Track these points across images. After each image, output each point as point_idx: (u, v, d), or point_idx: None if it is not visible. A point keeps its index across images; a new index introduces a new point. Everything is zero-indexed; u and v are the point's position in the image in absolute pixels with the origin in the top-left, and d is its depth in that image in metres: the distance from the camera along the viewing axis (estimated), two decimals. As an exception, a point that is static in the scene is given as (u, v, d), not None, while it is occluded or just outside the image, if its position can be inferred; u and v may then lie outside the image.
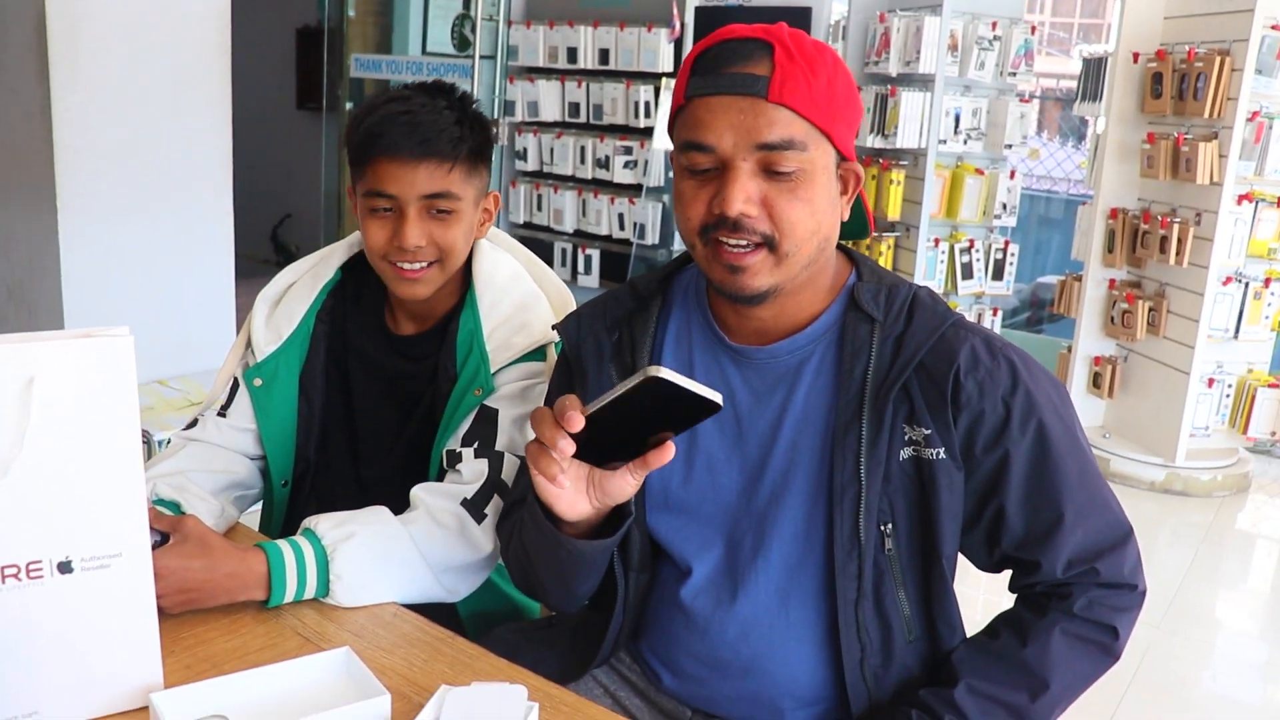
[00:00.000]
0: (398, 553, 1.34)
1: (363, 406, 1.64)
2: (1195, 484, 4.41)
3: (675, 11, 5.66)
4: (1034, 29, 4.94)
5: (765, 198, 1.17)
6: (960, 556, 1.33)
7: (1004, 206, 4.99)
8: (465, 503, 1.42)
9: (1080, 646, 1.27)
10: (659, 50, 5.73)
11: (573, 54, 6.04)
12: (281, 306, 1.63)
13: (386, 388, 1.62)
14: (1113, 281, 4.58)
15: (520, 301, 1.59)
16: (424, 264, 1.50)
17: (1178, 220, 4.19)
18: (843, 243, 1.35)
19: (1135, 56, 4.34)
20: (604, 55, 5.95)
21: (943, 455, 1.22)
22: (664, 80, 5.63)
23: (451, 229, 1.51)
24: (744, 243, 1.18)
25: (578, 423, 1.02)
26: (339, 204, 6.73)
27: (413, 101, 1.49)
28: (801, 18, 5.11)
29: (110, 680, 1.01)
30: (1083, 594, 1.27)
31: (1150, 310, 4.40)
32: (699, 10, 5.47)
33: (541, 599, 1.37)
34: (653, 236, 5.91)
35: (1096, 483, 1.28)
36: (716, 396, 0.99)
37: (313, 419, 1.63)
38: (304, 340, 1.62)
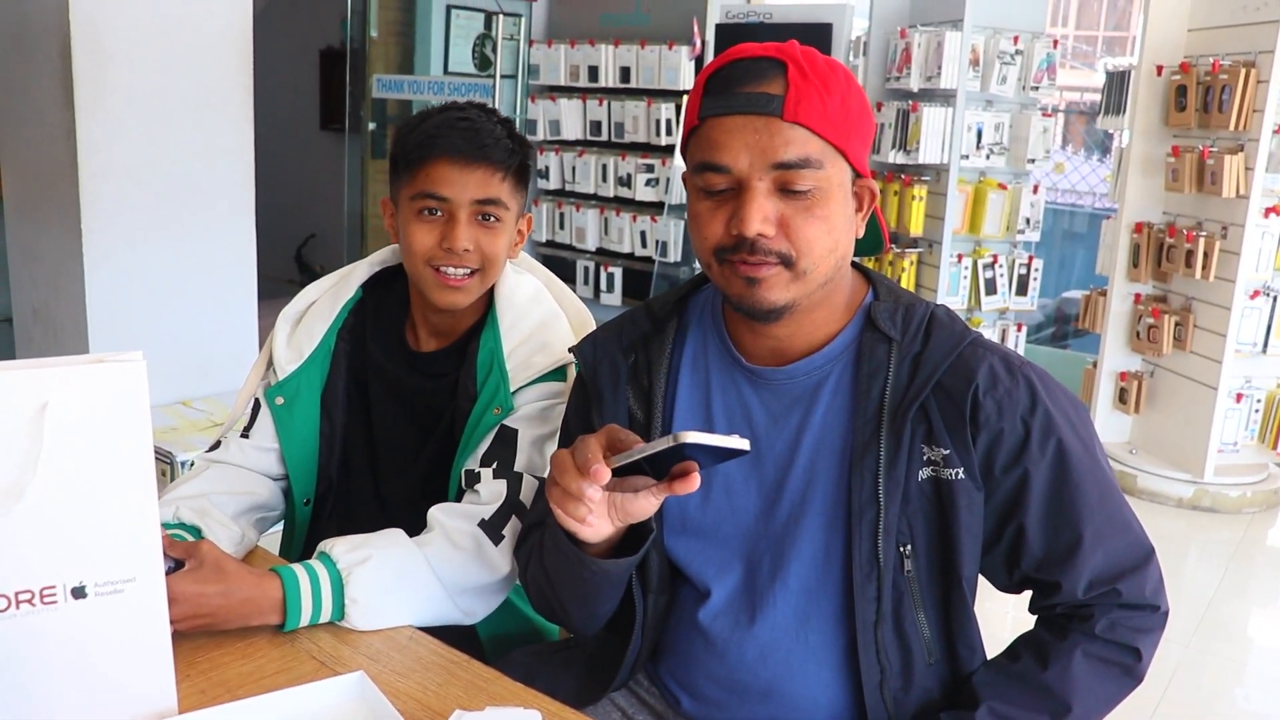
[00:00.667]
0: (413, 575, 1.33)
1: (383, 425, 1.64)
2: (1224, 500, 4.36)
3: (696, 29, 5.67)
4: (1056, 43, 4.92)
5: (782, 217, 1.17)
6: (980, 577, 1.32)
7: (1027, 221, 4.96)
8: (483, 524, 1.41)
9: (1102, 668, 1.25)
10: (680, 68, 5.75)
11: (594, 72, 6.07)
12: (303, 325, 1.64)
13: (406, 406, 1.63)
14: (1138, 296, 4.54)
15: (541, 321, 1.59)
16: (467, 271, 1.52)
17: (1203, 234, 4.15)
18: (859, 261, 1.34)
19: (1159, 69, 4.31)
20: (625, 73, 5.97)
21: (962, 475, 1.21)
22: (685, 98, 5.63)
23: (498, 238, 1.53)
24: (760, 264, 1.18)
25: (604, 477, 1.03)
26: (362, 224, 6.77)
27: (469, 111, 1.54)
28: (823, 34, 5.11)
29: (124, 705, 1.01)
30: (1104, 615, 1.26)
31: (1176, 325, 4.35)
32: (720, 27, 5.48)
33: (562, 621, 1.36)
34: (675, 254, 5.91)
35: (1117, 502, 1.26)
36: (744, 444, 0.99)
37: (334, 437, 1.64)
38: (325, 358, 1.62)
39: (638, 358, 1.36)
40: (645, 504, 1.12)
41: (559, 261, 6.43)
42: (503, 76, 5.91)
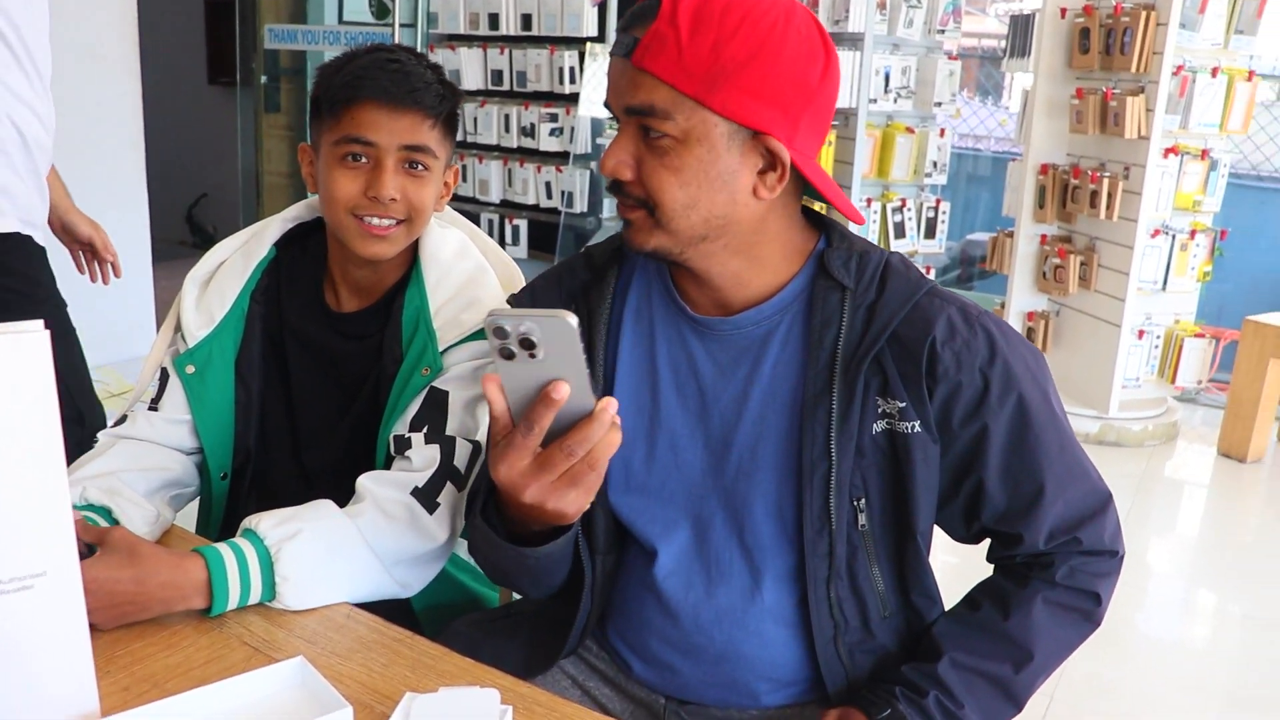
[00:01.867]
0: (346, 548, 1.26)
1: (302, 391, 1.56)
2: (1128, 434, 4.48)
3: (598, -26, 5.55)
4: (959, -14, 4.93)
5: (639, 161, 1.14)
6: (936, 529, 1.29)
7: (934, 165, 4.99)
8: (416, 492, 1.34)
9: (1063, 615, 1.24)
10: (583, 15, 5.62)
11: (494, 20, 5.90)
12: (212, 287, 1.54)
13: (327, 370, 1.54)
14: (1044, 237, 4.61)
15: (468, 276, 1.52)
16: (393, 221, 1.43)
17: (1107, 175, 4.21)
18: (810, 208, 1.29)
19: (1063, 12, 4.34)
20: (526, 21, 5.82)
21: (918, 429, 1.18)
22: (589, 45, 5.53)
23: (425, 187, 1.45)
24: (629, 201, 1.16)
25: (497, 400, 1.00)
26: (258, 182, 6.53)
27: (398, 53, 1.45)
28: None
29: (41, 710, 0.92)
30: (1064, 562, 1.24)
31: (1081, 264, 4.43)
32: (622, -28, 5.37)
33: (520, 591, 1.32)
34: (581, 204, 5.82)
35: (1075, 452, 1.25)
36: (560, 313, 0.92)
37: (251, 406, 1.54)
38: (238, 322, 1.53)
39: (578, 308, 1.30)
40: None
41: (463, 214, 6.22)
42: (401, 25, 5.72)
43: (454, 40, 6.13)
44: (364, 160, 1.42)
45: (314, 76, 1.49)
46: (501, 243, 6.13)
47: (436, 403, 1.42)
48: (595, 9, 5.60)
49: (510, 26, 5.88)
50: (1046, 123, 4.50)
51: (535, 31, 5.80)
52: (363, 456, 1.49)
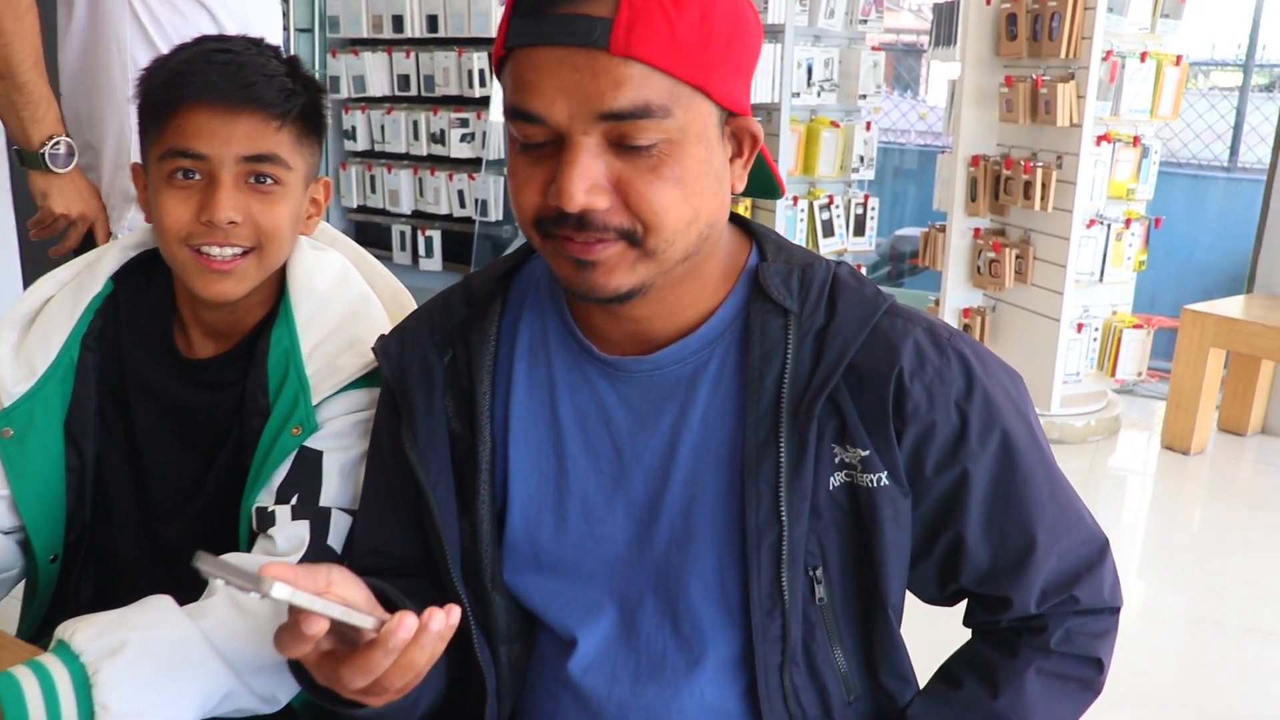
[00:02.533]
0: (188, 660, 1.01)
1: (152, 453, 1.30)
2: (1071, 431, 4.35)
3: (505, -29, 5.30)
4: (879, -26, 4.77)
5: (619, 180, 0.88)
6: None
7: (861, 159, 4.83)
8: None
9: (1060, 687, 1.04)
10: (491, 14, 5.37)
11: (398, 22, 5.62)
12: (34, 332, 1.28)
13: (180, 426, 1.29)
14: (977, 231, 4.46)
15: (349, 310, 1.27)
16: (238, 250, 1.19)
17: (1040, 164, 4.07)
18: (735, 212, 1.07)
19: (987, -2, 4.20)
20: (432, 22, 5.56)
21: (885, 480, 0.96)
22: (498, 45, 5.28)
23: (276, 206, 1.20)
24: (594, 240, 0.89)
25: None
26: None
27: (232, 43, 1.22)
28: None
29: None
30: (1059, 626, 1.04)
31: (1017, 258, 4.29)
32: (530, -32, 5.12)
33: None
34: (496, 213, 5.57)
35: (1067, 492, 1.05)
36: (259, 582, 0.73)
37: (85, 473, 1.29)
38: (67, 373, 1.27)
39: (455, 353, 1.06)
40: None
41: (373, 228, 6.01)
42: (298, 30, 5.43)
43: (356, 45, 5.84)
44: (196, 177, 1.18)
45: (135, 82, 1.23)
46: (415, 256, 5.89)
47: (308, 466, 1.18)
48: (504, 7, 5.35)
49: (415, 28, 5.60)
50: (975, 113, 4.35)
51: (442, 33, 5.54)
52: (224, 529, 1.25)
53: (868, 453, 0.96)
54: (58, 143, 1.79)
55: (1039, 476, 1.01)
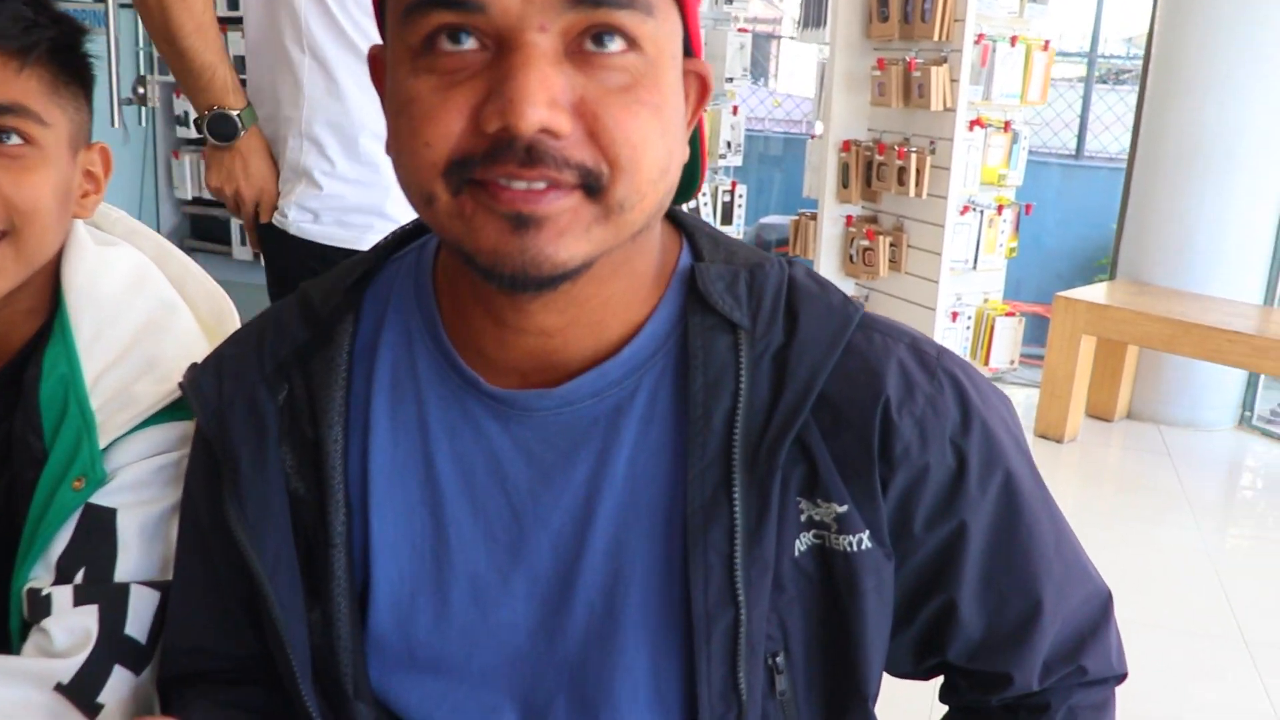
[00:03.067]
0: None
1: None
2: (946, 422, 4.28)
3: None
4: (745, -46, 4.61)
5: (582, 102, 0.65)
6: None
7: (729, 145, 4.66)
8: (61, 688, 0.84)
9: None
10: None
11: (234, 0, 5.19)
12: None
13: None
14: (850, 218, 4.35)
15: (145, 322, 1.00)
16: None
17: (914, 150, 3.97)
18: None
19: (857, -23, 4.08)
20: None
21: (866, 542, 0.76)
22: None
23: (30, 175, 0.92)
24: (544, 182, 0.65)
25: None
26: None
27: None
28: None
29: None
30: (1062, 702, 0.85)
31: (891, 246, 4.19)
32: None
33: None
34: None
35: (1072, 542, 0.86)
36: None
37: None
38: None
39: (294, 389, 0.81)
40: None
41: (210, 222, 5.52)
42: (120, 6, 4.94)
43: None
44: None
45: None
46: (256, 253, 5.45)
47: (97, 529, 0.92)
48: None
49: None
50: (846, 97, 4.22)
51: None
52: None
53: (845, 508, 0.75)
54: (219, 114, 1.67)
55: (1044, 524, 0.82)
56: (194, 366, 0.85)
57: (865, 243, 4.24)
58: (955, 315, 4.20)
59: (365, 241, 1.64)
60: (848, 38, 4.16)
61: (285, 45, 1.68)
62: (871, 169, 4.17)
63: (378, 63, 0.74)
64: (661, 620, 0.77)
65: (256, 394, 0.80)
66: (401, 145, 0.69)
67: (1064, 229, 7.71)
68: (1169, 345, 3.96)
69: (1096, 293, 4.32)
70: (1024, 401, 4.68)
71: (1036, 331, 4.98)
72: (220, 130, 1.68)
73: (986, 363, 4.32)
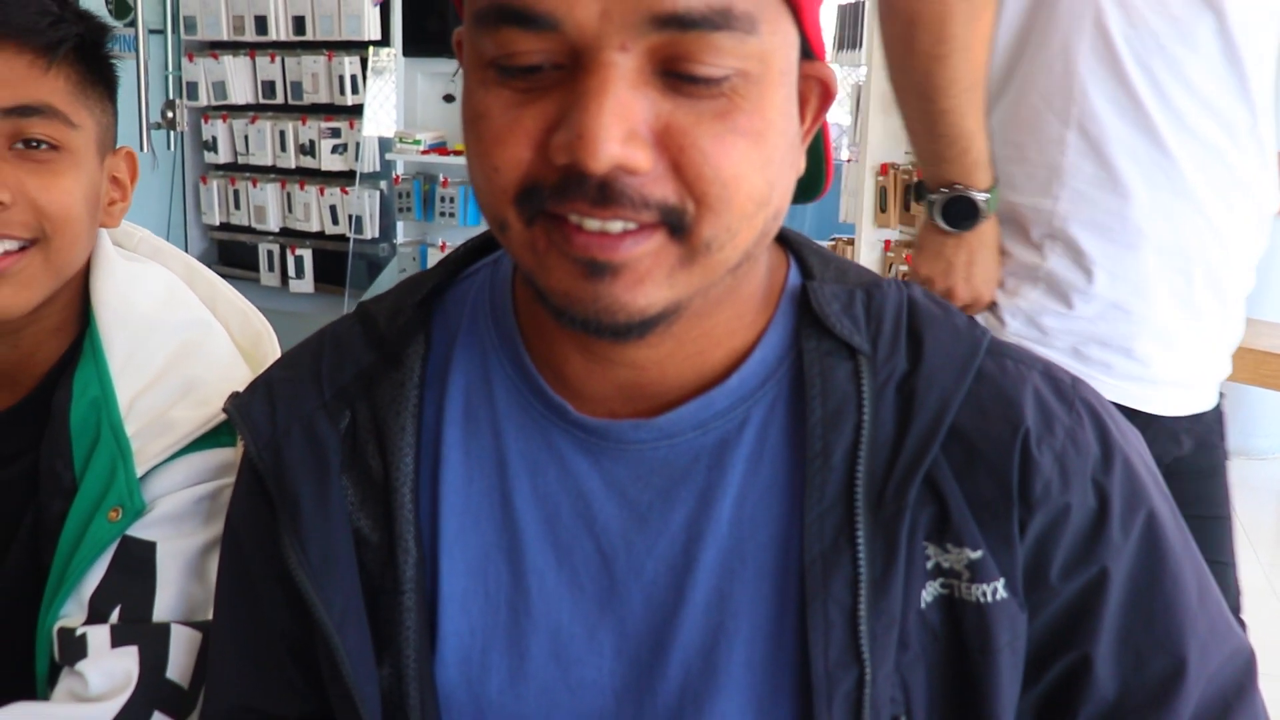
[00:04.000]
0: None
1: None
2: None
3: (378, -31, 4.96)
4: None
5: (668, 131, 0.57)
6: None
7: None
8: None
9: None
10: (364, 15, 5.00)
11: (262, 24, 5.20)
12: None
13: None
14: (888, 243, 4.29)
15: (182, 343, 0.95)
16: (13, 245, 0.86)
17: (953, 172, 3.91)
18: None
19: (894, -3, 4.02)
20: (299, 24, 5.15)
21: (1001, 593, 0.67)
22: (371, 50, 4.92)
23: (61, 180, 0.88)
24: (619, 224, 0.57)
25: None
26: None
27: None
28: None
29: None
30: None
31: (930, 271, 4.12)
32: (407, -34, 4.81)
33: None
34: (372, 230, 5.19)
35: (1215, 594, 0.77)
36: None
37: None
38: None
39: (356, 418, 0.73)
40: None
41: (237, 248, 5.55)
42: (150, 31, 4.95)
43: (216, 48, 5.40)
44: None
45: None
46: (284, 277, 5.45)
47: (134, 564, 0.86)
48: (377, 9, 4.99)
49: (281, 31, 5.19)
50: (884, 120, 4.16)
51: (310, 36, 5.14)
52: (17, 658, 0.90)
53: (979, 554, 0.67)
54: (961, 196, 1.29)
55: (1188, 573, 0.73)
56: (236, 393, 0.78)
57: (904, 267, 4.16)
58: (996, 341, 4.13)
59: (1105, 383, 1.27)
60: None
61: (1037, 109, 1.30)
62: (909, 193, 4.11)
63: (462, 49, 0.67)
64: (769, 684, 0.68)
65: (315, 422, 0.73)
66: (472, 163, 0.63)
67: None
68: (1218, 371, 3.87)
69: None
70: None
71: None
72: (957, 213, 1.31)
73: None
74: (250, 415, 0.76)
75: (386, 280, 5.20)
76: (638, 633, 0.71)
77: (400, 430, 0.73)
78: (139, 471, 0.89)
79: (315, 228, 5.35)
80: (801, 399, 0.70)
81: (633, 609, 0.71)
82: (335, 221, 5.29)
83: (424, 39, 4.90)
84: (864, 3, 4.18)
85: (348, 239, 5.23)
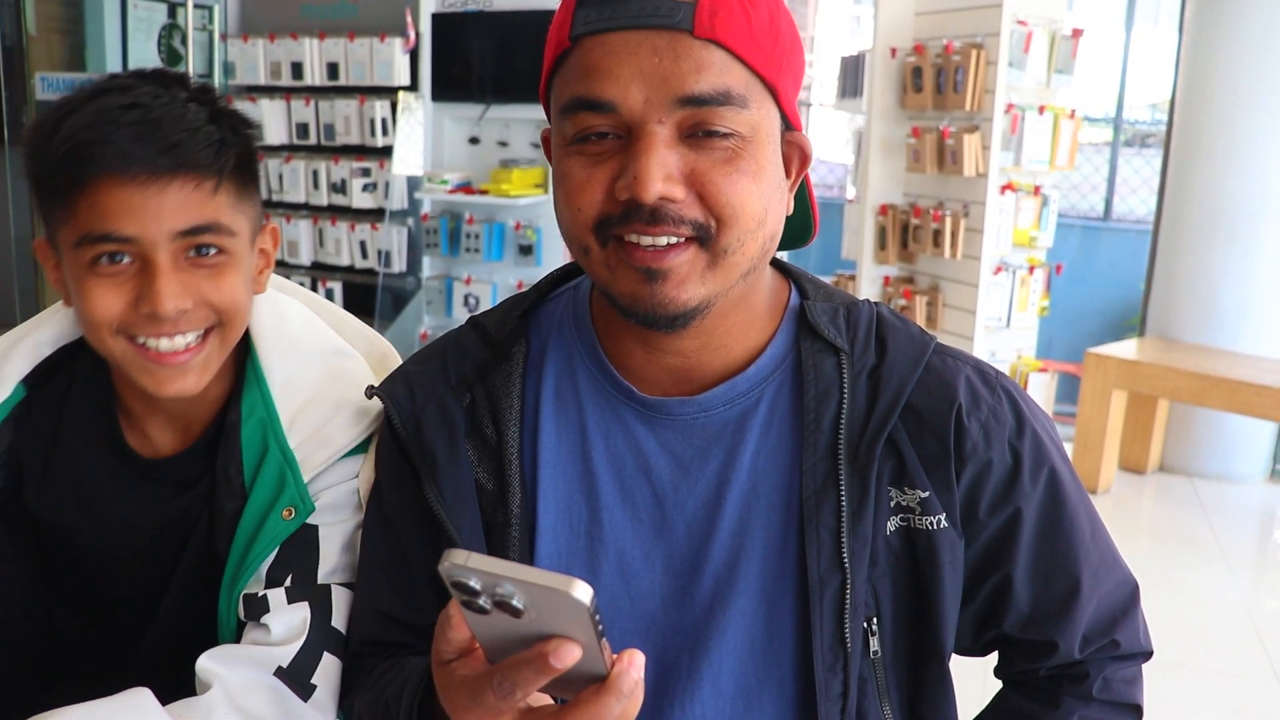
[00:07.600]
0: None
1: (100, 573, 1.15)
2: (982, 474, 4.42)
3: (409, 20, 5.25)
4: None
5: (693, 173, 0.86)
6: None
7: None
8: (281, 672, 1.00)
9: None
10: (394, 62, 5.29)
11: (298, 69, 5.50)
12: None
13: (142, 542, 1.13)
14: (887, 279, 4.55)
15: (327, 368, 1.14)
16: (194, 336, 1.02)
17: (948, 213, 4.18)
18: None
19: (893, 52, 4.31)
20: (333, 69, 5.45)
21: (943, 523, 0.94)
22: (401, 94, 5.20)
23: (227, 277, 1.03)
24: (665, 239, 0.86)
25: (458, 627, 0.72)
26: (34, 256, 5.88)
27: (138, 91, 0.99)
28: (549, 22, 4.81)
29: None
30: (1099, 673, 1.03)
31: (927, 304, 4.38)
32: (436, 18, 5.08)
33: None
34: (399, 264, 5.46)
35: (1105, 535, 1.04)
36: (560, 583, 0.63)
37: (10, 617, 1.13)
38: None
39: (475, 398, 1.00)
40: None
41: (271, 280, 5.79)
42: (198, 76, 5.25)
43: (254, 92, 5.68)
44: (125, 260, 0.99)
45: (25, 142, 1.03)
46: (315, 307, 5.70)
47: (303, 543, 1.07)
48: (407, 55, 5.29)
49: (315, 76, 5.48)
50: (883, 163, 4.45)
51: (342, 81, 5.43)
52: (199, 627, 1.11)
53: (927, 494, 0.94)
54: None
55: (1082, 517, 1.00)
56: (384, 382, 1.04)
57: (903, 302, 4.43)
58: (989, 371, 4.36)
59: None
60: (884, 107, 4.39)
61: None
62: (907, 231, 4.38)
63: (548, 143, 0.95)
64: (774, 587, 0.95)
65: (446, 401, 1.00)
66: (561, 209, 0.91)
67: (1093, 290, 7.85)
68: (1199, 399, 4.11)
69: (1127, 349, 4.47)
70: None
71: (1067, 390, 5.12)
72: None
73: (1020, 417, 4.47)
74: (395, 396, 1.01)
75: (412, 312, 5.46)
76: (680, 553, 0.97)
77: (509, 407, 0.99)
78: (306, 478, 1.07)
79: (345, 262, 5.62)
80: (800, 383, 0.96)
81: (677, 535, 0.97)
82: (365, 256, 5.56)
83: (451, 84, 5.15)
84: (864, 55, 4.47)
85: (376, 273, 5.49)
